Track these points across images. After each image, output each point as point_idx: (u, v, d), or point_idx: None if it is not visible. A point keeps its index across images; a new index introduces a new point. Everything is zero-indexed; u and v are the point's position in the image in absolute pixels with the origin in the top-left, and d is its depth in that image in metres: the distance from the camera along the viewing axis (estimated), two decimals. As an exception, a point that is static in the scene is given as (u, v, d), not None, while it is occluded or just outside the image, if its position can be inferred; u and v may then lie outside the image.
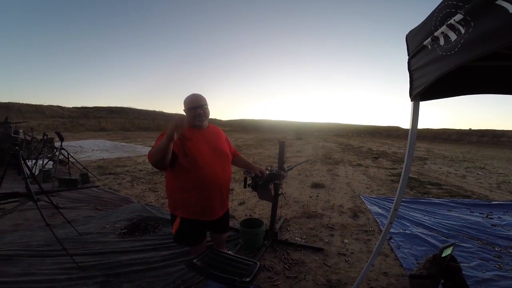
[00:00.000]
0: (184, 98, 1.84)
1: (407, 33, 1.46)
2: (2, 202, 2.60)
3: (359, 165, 9.10)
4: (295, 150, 14.24)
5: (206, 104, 1.84)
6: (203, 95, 1.87)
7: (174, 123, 1.34)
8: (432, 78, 1.20)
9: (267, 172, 2.34)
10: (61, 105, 38.24)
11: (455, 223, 3.52)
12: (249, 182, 2.28)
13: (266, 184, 2.34)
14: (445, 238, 3.04)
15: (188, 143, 1.70)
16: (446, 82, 1.41)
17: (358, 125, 63.79)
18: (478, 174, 8.05)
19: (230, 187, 5.16)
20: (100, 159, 8.83)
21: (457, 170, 8.70)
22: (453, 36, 1.03)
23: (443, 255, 1.52)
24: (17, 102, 33.39)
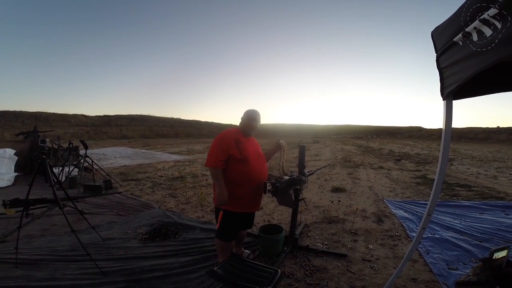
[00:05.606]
0: (246, 110, 2.28)
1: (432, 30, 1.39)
2: (31, 207, 2.72)
3: (381, 167, 8.80)
4: (313, 154, 14.04)
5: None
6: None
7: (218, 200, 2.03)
8: (467, 75, 1.14)
9: (288, 175, 2.37)
10: (85, 113, 39.94)
11: (489, 226, 3.31)
12: (268, 187, 2.24)
13: (286, 189, 2.29)
14: (478, 242, 2.86)
15: (241, 145, 2.11)
16: (480, 79, 1.33)
17: (378, 126, 61.72)
18: (511, 174, 7.54)
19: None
20: (122, 166, 9.11)
21: (487, 171, 8.21)
22: (488, 32, 0.99)
23: (494, 257, 1.39)
24: (45, 111, 35.12)
